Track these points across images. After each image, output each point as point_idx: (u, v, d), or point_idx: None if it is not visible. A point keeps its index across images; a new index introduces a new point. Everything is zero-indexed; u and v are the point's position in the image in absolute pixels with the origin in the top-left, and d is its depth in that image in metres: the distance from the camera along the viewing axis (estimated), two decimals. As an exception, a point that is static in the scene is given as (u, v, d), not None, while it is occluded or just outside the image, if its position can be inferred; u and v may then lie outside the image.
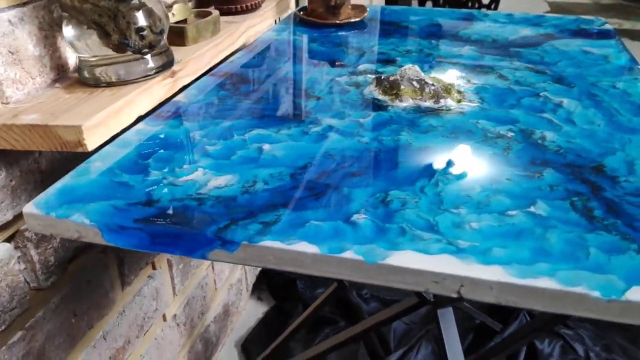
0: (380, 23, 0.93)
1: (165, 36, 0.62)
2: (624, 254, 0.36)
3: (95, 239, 0.41)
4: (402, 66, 0.69)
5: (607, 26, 0.89)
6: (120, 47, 0.58)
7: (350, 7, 0.94)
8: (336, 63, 0.73)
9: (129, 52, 0.58)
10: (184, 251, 0.40)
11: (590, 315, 0.33)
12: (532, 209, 0.41)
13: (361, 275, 0.36)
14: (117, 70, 0.58)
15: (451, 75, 0.68)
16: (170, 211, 0.42)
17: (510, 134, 0.53)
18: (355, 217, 0.40)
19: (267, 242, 0.38)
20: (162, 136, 0.53)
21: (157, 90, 0.60)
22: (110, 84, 0.58)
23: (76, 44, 0.58)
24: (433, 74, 0.68)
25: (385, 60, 0.74)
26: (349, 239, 0.38)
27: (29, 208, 0.42)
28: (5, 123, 0.51)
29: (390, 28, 0.90)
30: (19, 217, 0.58)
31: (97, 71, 0.58)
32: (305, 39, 0.85)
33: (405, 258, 0.36)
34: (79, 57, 0.59)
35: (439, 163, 0.48)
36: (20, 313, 0.61)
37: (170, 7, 0.73)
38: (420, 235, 0.38)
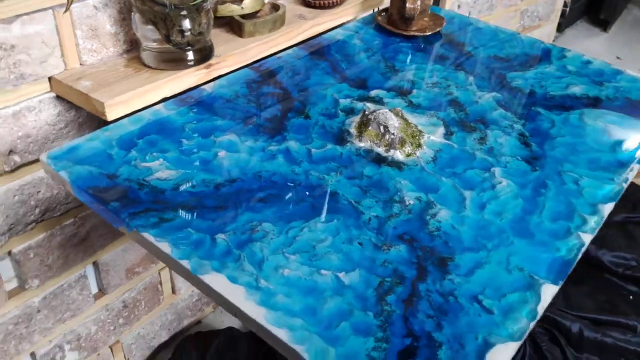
0: (450, 43, 0.97)
1: (207, 36, 0.78)
2: (364, 337, 0.47)
3: (72, 192, 0.61)
4: (411, 102, 0.77)
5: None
6: (167, 41, 0.75)
7: (427, 18, 0.99)
8: (356, 83, 0.83)
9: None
10: (110, 221, 0.58)
11: (303, 369, 0.45)
12: (342, 274, 0.52)
13: (189, 282, 0.52)
14: (160, 57, 0.76)
15: (437, 125, 0.75)
16: (118, 188, 0.60)
17: (410, 202, 0.61)
18: (219, 235, 0.55)
19: (146, 234, 0.54)
20: (164, 121, 0.71)
21: (187, 79, 0.77)
22: (152, 68, 0.76)
23: (138, 31, 0.76)
24: (425, 118, 0.75)
25: (401, 91, 0.82)
26: (201, 251, 0.53)
27: (42, 156, 0.63)
28: (69, 84, 0.72)
29: (449, 52, 0.94)
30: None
31: (145, 54, 0.76)
32: (360, 46, 0.94)
33: (215, 279, 0.50)
34: (140, 40, 0.77)
35: (326, 210, 0.59)
36: (74, 207, 0.86)
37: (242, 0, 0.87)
38: (244, 266, 0.52)
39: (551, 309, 1.28)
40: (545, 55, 0.95)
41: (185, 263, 0.52)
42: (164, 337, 1.19)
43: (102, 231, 0.92)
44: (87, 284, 0.96)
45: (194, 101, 0.76)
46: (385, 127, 0.70)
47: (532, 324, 0.49)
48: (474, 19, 1.06)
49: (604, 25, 2.62)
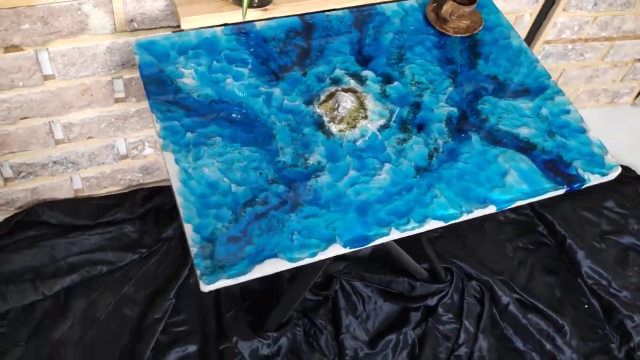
0: (470, 50, 1.17)
1: (268, -10, 1.09)
2: (218, 220, 0.85)
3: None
4: (384, 92, 1.05)
5: (590, 179, 1.00)
6: (240, -15, 1.08)
7: (467, 20, 1.18)
8: (357, 60, 1.10)
9: (243, -10, 1.08)
10: (145, 95, 0.99)
11: (182, 221, 0.86)
12: (234, 185, 0.89)
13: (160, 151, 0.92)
14: (232, -5, 1.10)
15: (383, 117, 1.02)
16: (160, 78, 1.00)
17: (310, 162, 0.94)
18: (189, 133, 0.94)
19: (154, 115, 0.94)
20: (215, 41, 1.07)
21: (247, 15, 1.10)
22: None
23: (227, -29, 1.09)
24: (381, 107, 1.03)
25: (387, 79, 1.08)
26: (174, 137, 0.93)
27: (133, 40, 1.04)
28: (172, -7, 1.10)
29: (460, 58, 1.15)
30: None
31: (225, -10, 1.10)
32: (396, 27, 1.17)
33: (169, 156, 0.90)
34: (228, -24, 1.11)
35: (259, 144, 0.94)
36: (167, 63, 1.29)
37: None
38: (188, 157, 0.91)
39: (493, 278, 1.55)
40: (537, 91, 1.12)
41: (161, 140, 0.92)
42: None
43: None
44: (168, 111, 1.41)
45: (241, 32, 1.10)
46: (338, 105, 1.00)
47: (307, 260, 0.84)
48: (514, 34, 1.21)
49: None
